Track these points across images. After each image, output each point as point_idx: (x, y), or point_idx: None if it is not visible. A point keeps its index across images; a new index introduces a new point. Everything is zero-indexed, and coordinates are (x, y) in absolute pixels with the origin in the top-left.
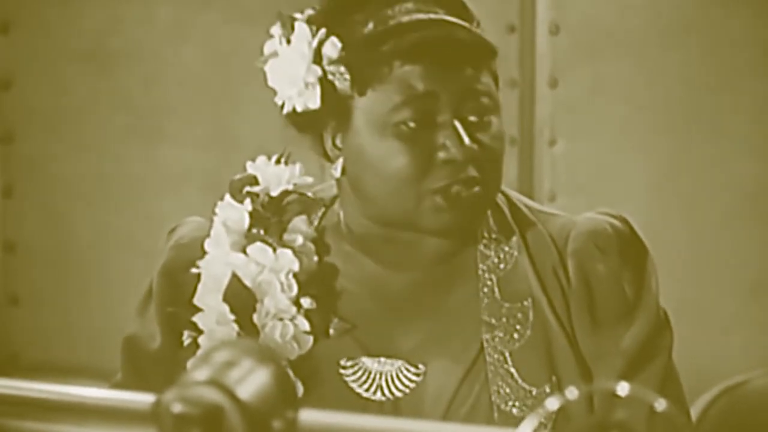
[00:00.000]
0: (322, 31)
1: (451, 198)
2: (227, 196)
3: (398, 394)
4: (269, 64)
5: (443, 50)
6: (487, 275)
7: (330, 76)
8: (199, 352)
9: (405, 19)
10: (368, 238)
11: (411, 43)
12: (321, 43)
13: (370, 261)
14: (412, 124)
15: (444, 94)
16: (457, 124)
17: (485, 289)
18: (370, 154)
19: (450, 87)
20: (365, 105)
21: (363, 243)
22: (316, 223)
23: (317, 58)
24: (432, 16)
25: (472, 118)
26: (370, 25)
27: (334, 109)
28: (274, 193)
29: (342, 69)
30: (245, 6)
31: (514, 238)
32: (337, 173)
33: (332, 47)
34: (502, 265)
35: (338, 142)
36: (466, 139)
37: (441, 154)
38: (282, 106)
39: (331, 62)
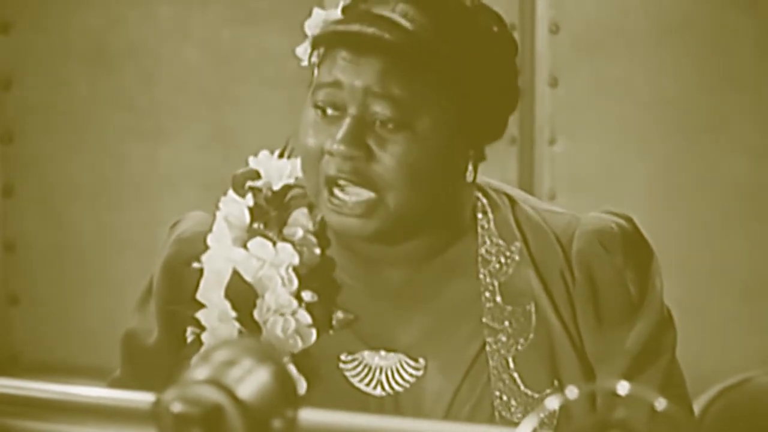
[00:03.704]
0: (321, 12)
1: (336, 200)
2: (230, 191)
3: (398, 388)
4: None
5: (359, 45)
6: (488, 280)
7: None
8: (200, 351)
9: (362, 8)
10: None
11: (336, 32)
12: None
13: (362, 256)
14: (321, 109)
15: (347, 88)
16: (349, 120)
17: (487, 294)
18: (300, 132)
19: (354, 82)
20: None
21: (343, 239)
22: (319, 217)
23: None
24: (384, 13)
25: (379, 123)
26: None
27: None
28: (276, 188)
29: (310, 47)
30: (245, 6)
31: (516, 243)
32: None
33: (308, 27)
34: (504, 270)
35: None
36: (346, 137)
37: (326, 144)
38: None
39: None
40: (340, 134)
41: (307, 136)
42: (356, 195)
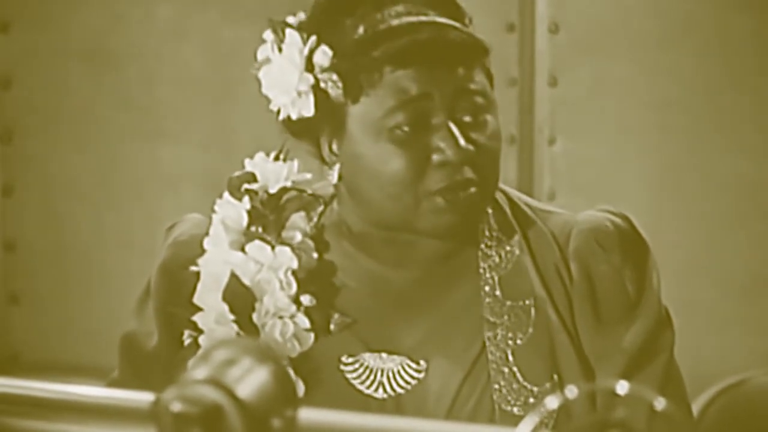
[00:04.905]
0: (313, 38)
1: (449, 200)
2: (226, 194)
3: (400, 391)
4: (262, 71)
5: (434, 52)
6: (488, 274)
7: (323, 84)
8: (200, 351)
9: (395, 22)
10: (367, 238)
11: (401, 47)
12: (312, 51)
13: (370, 259)
14: (406, 128)
15: (437, 96)
16: (452, 125)
17: (487, 288)
18: (366, 160)
19: (443, 88)
20: (359, 111)
21: (362, 242)
22: (315, 220)
23: (309, 66)
24: (422, 18)
25: (467, 118)
26: (361, 30)
27: (329, 116)
28: (273, 190)
29: (334, 76)
30: (245, 6)
31: (516, 237)
32: (334, 179)
33: (323, 55)
34: (503, 264)
35: (335, 148)
36: (461, 141)
37: (436, 157)
38: (278, 113)
39: (323, 70)
40: (448, 143)
41: (392, 159)
42: (468, 191)
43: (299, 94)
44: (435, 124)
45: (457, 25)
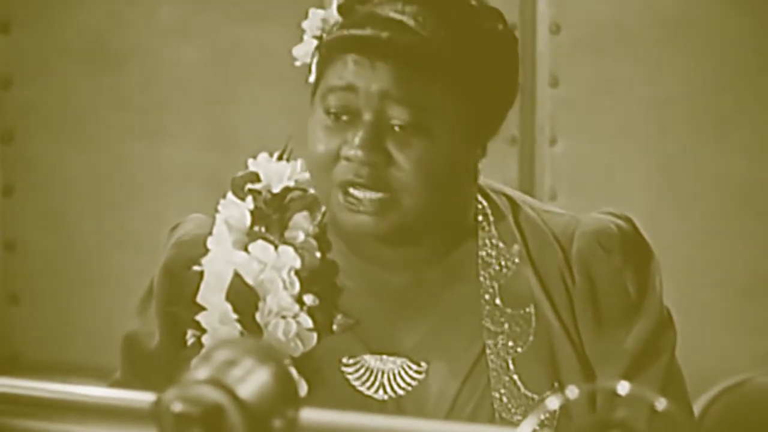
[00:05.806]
0: (312, 11)
1: (350, 201)
2: (229, 194)
3: (400, 392)
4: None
5: (369, 49)
6: (488, 282)
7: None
8: (202, 351)
9: (367, 9)
10: (354, 237)
11: (341, 38)
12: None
13: (362, 260)
14: (332, 113)
15: (362, 93)
16: (369, 125)
17: (487, 296)
18: (309, 137)
19: (368, 86)
20: (318, 88)
21: (351, 242)
22: (318, 219)
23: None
24: (395, 15)
25: (396, 127)
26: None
27: (315, 87)
28: (276, 190)
29: (316, 51)
30: (245, 6)
31: (516, 246)
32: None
33: (309, 31)
34: (503, 272)
35: None
36: (368, 143)
37: (344, 149)
38: None
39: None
40: (358, 140)
41: (318, 141)
42: (372, 193)
43: (296, 59)
44: (362, 119)
45: (415, 28)
